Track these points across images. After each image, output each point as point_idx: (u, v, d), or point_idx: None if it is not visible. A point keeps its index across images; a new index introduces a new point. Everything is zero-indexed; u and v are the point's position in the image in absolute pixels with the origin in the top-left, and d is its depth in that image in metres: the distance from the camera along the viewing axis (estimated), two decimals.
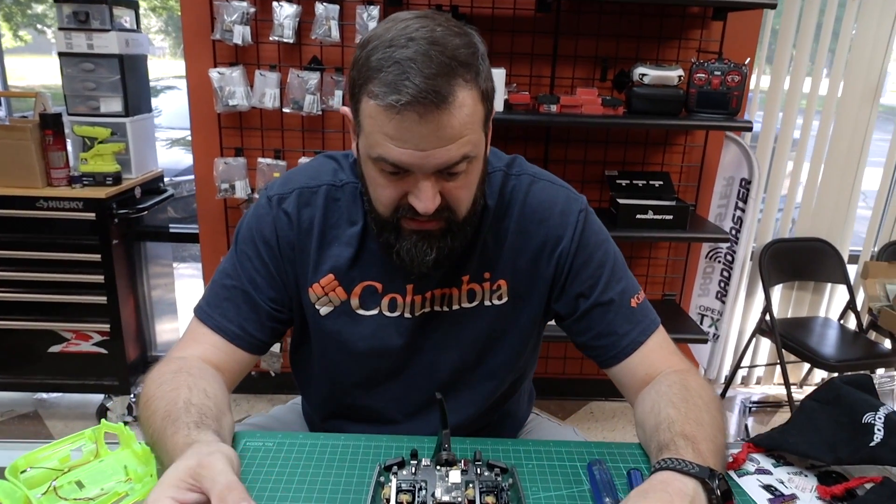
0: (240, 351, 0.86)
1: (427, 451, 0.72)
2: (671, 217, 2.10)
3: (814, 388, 2.88)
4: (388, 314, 0.87)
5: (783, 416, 2.65)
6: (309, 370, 0.98)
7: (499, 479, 0.67)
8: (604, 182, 2.27)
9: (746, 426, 2.60)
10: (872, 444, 0.70)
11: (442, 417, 0.68)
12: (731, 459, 0.77)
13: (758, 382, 2.87)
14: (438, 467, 0.68)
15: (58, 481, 0.65)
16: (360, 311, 0.88)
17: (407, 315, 0.88)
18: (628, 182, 2.22)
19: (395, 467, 0.69)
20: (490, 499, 0.64)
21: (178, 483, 0.58)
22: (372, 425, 0.94)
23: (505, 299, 0.90)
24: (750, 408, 2.70)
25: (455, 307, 0.89)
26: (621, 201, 2.12)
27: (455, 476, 0.67)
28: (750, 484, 0.73)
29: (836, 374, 2.79)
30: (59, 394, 2.50)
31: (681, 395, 0.77)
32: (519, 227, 0.88)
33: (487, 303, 0.89)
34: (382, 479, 0.68)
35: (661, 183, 2.23)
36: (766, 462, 0.78)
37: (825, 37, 2.37)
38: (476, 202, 0.80)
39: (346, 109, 0.79)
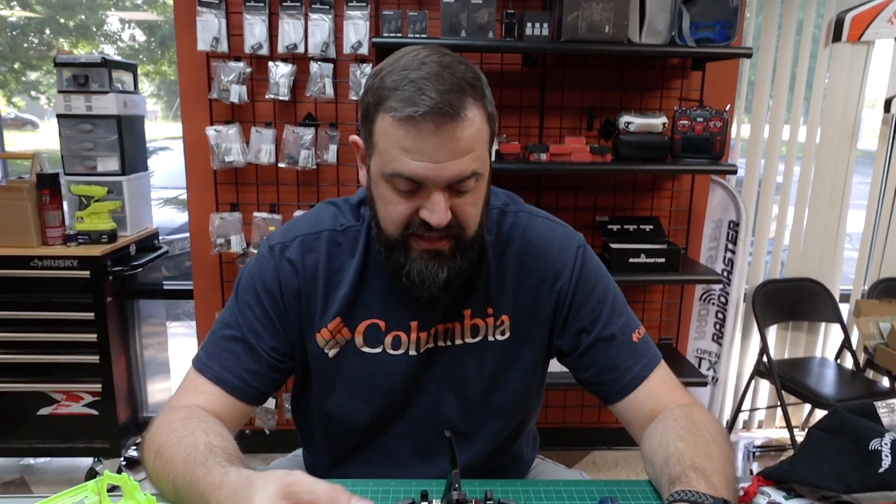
0: (238, 402, 0.85)
1: (436, 493, 0.71)
2: (663, 260, 2.12)
3: None
4: (391, 352, 0.88)
5: None
6: (312, 419, 0.97)
7: None
8: (595, 227, 2.31)
9: (751, 471, 2.56)
10: (881, 470, 0.69)
11: (451, 456, 0.67)
12: (741, 493, 0.76)
13: (759, 426, 2.84)
14: None
15: None
16: (365, 349, 0.88)
17: (412, 353, 0.88)
18: (619, 227, 2.26)
19: None
20: None
21: None
22: (378, 467, 0.92)
23: (508, 335, 0.90)
24: (754, 452, 2.67)
25: (458, 342, 0.89)
26: (613, 245, 2.14)
27: None
28: None
29: None
30: (47, 459, 2.43)
31: (688, 428, 0.77)
32: (518, 262, 0.89)
33: (491, 338, 0.89)
34: None
35: (652, 227, 2.27)
36: (776, 495, 0.77)
37: (800, 85, 2.47)
38: (482, 223, 0.82)
39: (356, 138, 0.82)
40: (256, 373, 0.86)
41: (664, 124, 2.08)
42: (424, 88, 0.71)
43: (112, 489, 0.72)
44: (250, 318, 0.87)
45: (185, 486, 0.68)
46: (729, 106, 2.12)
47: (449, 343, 0.89)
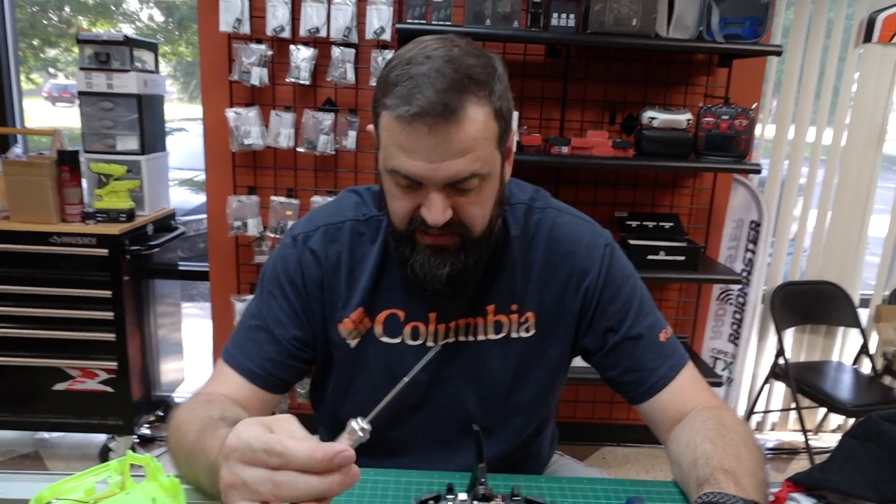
0: (261, 391, 0.86)
1: (460, 486, 0.70)
2: (683, 258, 2.10)
3: (829, 433, 2.83)
4: (410, 343, 0.87)
5: (800, 464, 2.59)
6: (331, 407, 0.96)
7: None
8: (613, 223, 2.28)
9: None
10: None
11: (478, 450, 0.66)
12: (772, 498, 0.75)
13: (772, 428, 2.82)
14: (476, 502, 0.66)
15: None
16: (384, 339, 0.87)
17: (430, 344, 0.87)
18: (638, 223, 2.23)
19: (431, 502, 0.66)
20: None
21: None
22: (398, 461, 0.91)
23: (532, 332, 0.89)
24: (766, 454, 2.65)
25: (481, 337, 0.88)
26: (632, 242, 2.12)
27: None
28: None
29: (852, 420, 2.72)
30: (62, 434, 2.45)
31: (716, 430, 0.76)
32: (545, 259, 0.88)
33: (514, 335, 0.88)
34: None
35: (672, 224, 2.24)
36: (807, 501, 0.75)
37: (827, 86, 2.43)
38: (493, 222, 0.80)
39: (371, 127, 0.81)
40: (278, 362, 0.86)
41: (688, 121, 2.05)
42: (422, 86, 0.69)
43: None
44: (274, 308, 0.87)
45: (194, 452, 0.68)
46: (755, 104, 2.08)
47: (471, 338, 0.88)
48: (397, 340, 0.87)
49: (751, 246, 2.28)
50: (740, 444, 0.74)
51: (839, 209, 2.54)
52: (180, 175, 5.22)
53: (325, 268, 0.86)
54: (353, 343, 0.88)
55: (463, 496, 0.67)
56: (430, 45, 0.73)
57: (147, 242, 2.21)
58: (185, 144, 5.54)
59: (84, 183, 2.17)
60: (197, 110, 2.24)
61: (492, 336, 0.88)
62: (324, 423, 1.01)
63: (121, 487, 0.68)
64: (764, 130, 2.49)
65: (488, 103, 0.72)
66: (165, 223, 2.41)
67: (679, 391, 0.85)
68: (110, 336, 2.13)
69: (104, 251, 2.06)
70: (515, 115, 1.95)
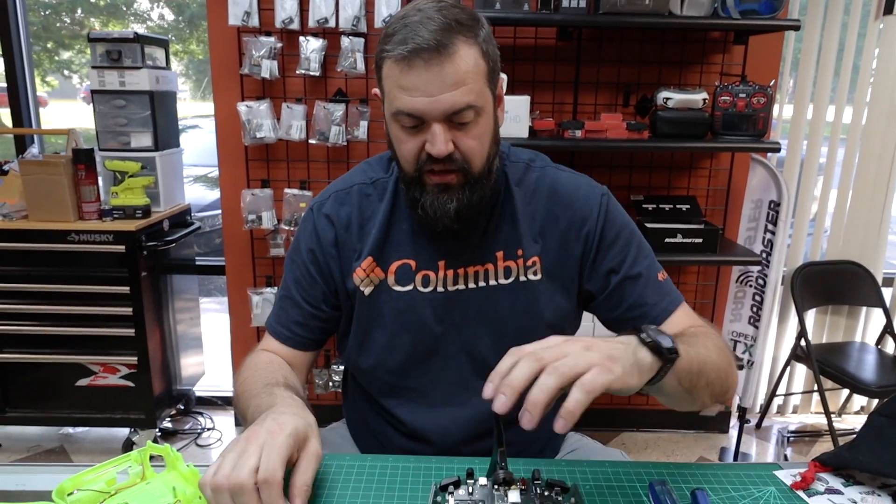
0: (294, 350, 0.98)
1: (480, 471, 0.69)
2: (700, 240, 2.07)
3: (853, 415, 2.79)
4: (421, 289, 0.94)
5: (823, 447, 2.56)
6: (353, 356, 1.01)
7: (559, 499, 0.64)
8: (630, 207, 2.24)
9: (786, 456, 2.51)
10: None
11: (497, 435, 0.66)
12: (798, 479, 0.73)
13: (794, 411, 2.78)
14: (496, 487, 0.65)
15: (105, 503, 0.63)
16: (396, 288, 0.94)
17: (440, 289, 0.93)
18: (655, 206, 2.20)
19: (451, 487, 0.66)
20: None
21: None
22: (416, 407, 0.97)
23: (539, 276, 0.94)
24: (788, 437, 2.62)
25: (492, 282, 0.94)
26: (649, 225, 2.09)
27: (514, 496, 0.64)
28: None
29: (875, 401, 2.68)
30: (85, 428, 2.49)
31: (700, 338, 0.82)
32: (547, 211, 0.95)
33: (523, 278, 0.94)
34: (439, 499, 0.65)
35: (689, 206, 2.21)
36: (835, 482, 0.74)
37: (847, 61, 2.37)
38: (490, 159, 0.88)
39: (377, 91, 0.89)
40: (303, 324, 0.98)
41: (704, 100, 2.01)
42: (416, 30, 0.78)
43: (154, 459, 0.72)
44: (298, 276, 0.98)
45: (253, 395, 0.83)
46: (773, 81, 2.04)
47: (482, 284, 0.94)
48: (409, 288, 0.94)
49: (770, 227, 2.24)
50: (713, 350, 0.80)
51: (860, 188, 2.48)
52: (195, 172, 5.26)
53: (338, 228, 0.96)
54: (367, 291, 0.95)
55: (483, 481, 0.66)
56: (421, 2, 0.82)
57: (163, 238, 2.22)
58: (200, 141, 5.58)
59: (100, 181, 2.19)
60: (210, 107, 2.24)
61: (502, 281, 0.94)
62: (350, 371, 1.08)
63: (141, 477, 0.68)
64: (782, 111, 2.43)
65: (476, 43, 0.81)
66: (181, 219, 2.43)
67: (677, 324, 0.91)
68: (130, 331, 2.16)
69: (121, 247, 2.08)
70: (527, 100, 1.93)
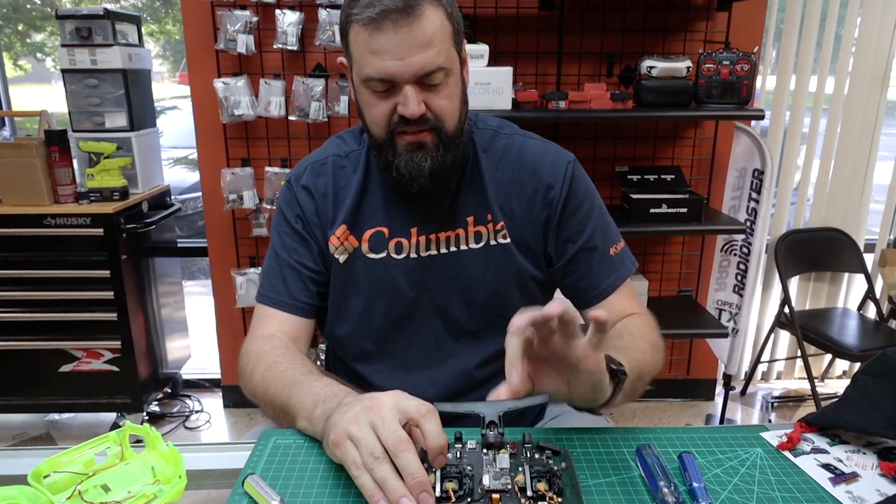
0: (298, 318, 0.96)
1: (468, 434, 0.69)
2: (685, 210, 2.07)
3: (835, 380, 2.83)
4: (394, 256, 0.95)
5: (806, 411, 2.60)
6: (331, 323, 1.02)
7: (550, 462, 0.63)
8: (614, 178, 2.25)
9: (770, 421, 2.55)
10: None
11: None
12: (784, 440, 0.73)
13: (778, 377, 2.82)
14: (486, 450, 0.65)
15: (83, 485, 0.61)
16: (370, 255, 0.96)
17: (413, 255, 0.95)
18: (639, 177, 2.19)
19: None
20: (542, 485, 0.60)
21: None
22: (394, 373, 0.98)
23: (508, 240, 0.96)
24: (772, 403, 2.66)
25: (463, 247, 0.95)
26: (634, 196, 2.09)
27: (504, 460, 0.63)
28: (808, 464, 0.70)
29: (857, 365, 2.73)
30: (71, 414, 2.47)
31: (637, 327, 0.90)
32: (514, 177, 0.96)
33: (493, 242, 0.96)
34: (426, 464, 0.64)
35: (673, 176, 2.21)
36: (820, 441, 0.74)
37: (829, 34, 2.35)
38: (462, 119, 0.89)
39: (342, 59, 0.90)
40: (302, 289, 0.97)
41: (688, 68, 1.99)
42: None
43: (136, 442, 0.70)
44: (289, 243, 0.97)
45: (298, 384, 0.78)
46: (757, 48, 2.02)
47: (454, 249, 0.95)
48: (383, 255, 0.95)
49: (754, 195, 2.24)
50: (647, 347, 0.85)
51: (842, 156, 2.49)
52: (175, 154, 5.17)
53: (316, 197, 0.97)
54: (341, 259, 0.96)
55: (472, 444, 0.66)
56: None
57: (143, 220, 2.18)
58: (178, 122, 5.48)
59: (75, 163, 2.14)
60: (188, 88, 2.18)
61: (473, 245, 0.95)
62: (327, 340, 1.08)
63: (120, 458, 0.67)
64: (765, 82, 2.42)
65: (440, 6, 0.82)
66: (160, 200, 2.38)
67: (622, 299, 0.96)
68: (112, 316, 2.12)
69: (99, 231, 2.04)
70: (509, 71, 1.90)
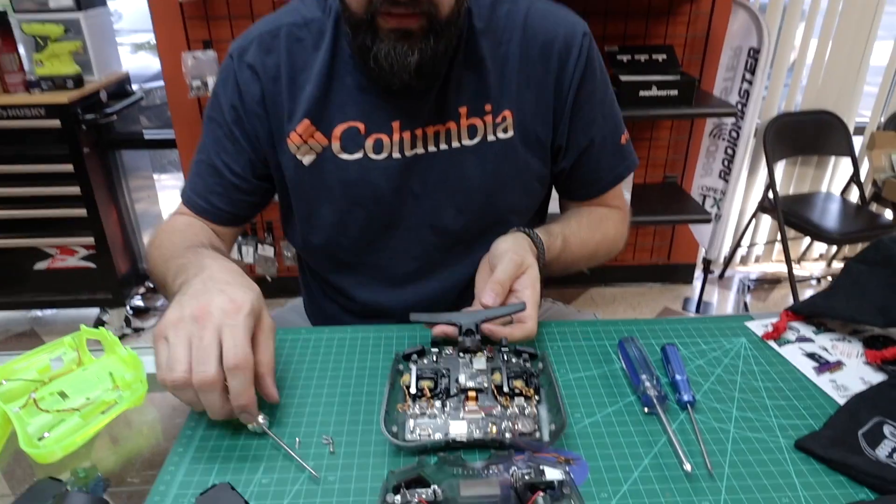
0: (214, 224, 0.86)
1: (444, 340, 0.66)
2: (676, 92, 1.98)
3: (812, 262, 2.88)
4: (373, 157, 0.80)
5: (781, 292, 2.66)
6: (302, 235, 0.89)
7: (527, 364, 0.61)
8: (604, 59, 2.12)
9: (746, 303, 2.62)
10: None
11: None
12: (770, 329, 0.72)
13: (756, 261, 2.86)
14: (462, 354, 0.62)
15: (38, 393, 0.58)
16: (343, 156, 0.80)
17: (396, 155, 0.80)
18: (630, 57, 2.07)
19: (415, 356, 0.63)
20: (519, 383, 0.58)
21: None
22: (378, 287, 0.89)
23: (510, 133, 0.82)
24: (748, 286, 2.71)
25: (455, 144, 0.81)
26: (623, 78, 1.98)
27: (480, 363, 0.61)
28: (793, 353, 0.69)
29: (834, 248, 2.75)
30: (55, 310, 2.45)
31: (599, 220, 0.90)
32: (522, 52, 0.80)
33: (491, 137, 0.81)
34: (402, 367, 0.62)
35: (665, 57, 2.09)
36: (806, 330, 0.73)
37: None
38: (460, 3, 0.72)
39: None
40: (223, 195, 0.84)
41: None
42: None
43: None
44: (218, 137, 0.83)
45: (172, 257, 0.71)
46: None
47: (444, 146, 0.81)
48: (359, 156, 0.80)
49: (748, 76, 2.14)
50: (599, 241, 0.88)
51: (841, 35, 2.36)
52: (137, 39, 4.85)
53: (264, 81, 0.79)
54: (306, 161, 0.81)
55: (449, 350, 0.63)
56: None
57: (102, 110, 2.05)
58: (137, 4, 5.08)
59: (21, 49, 1.97)
60: None
61: (466, 142, 0.81)
62: (300, 252, 0.97)
63: (77, 364, 0.63)
64: None
65: None
66: (121, 89, 2.23)
67: (617, 191, 0.92)
68: (81, 212, 2.05)
69: (56, 122, 1.91)
70: None
